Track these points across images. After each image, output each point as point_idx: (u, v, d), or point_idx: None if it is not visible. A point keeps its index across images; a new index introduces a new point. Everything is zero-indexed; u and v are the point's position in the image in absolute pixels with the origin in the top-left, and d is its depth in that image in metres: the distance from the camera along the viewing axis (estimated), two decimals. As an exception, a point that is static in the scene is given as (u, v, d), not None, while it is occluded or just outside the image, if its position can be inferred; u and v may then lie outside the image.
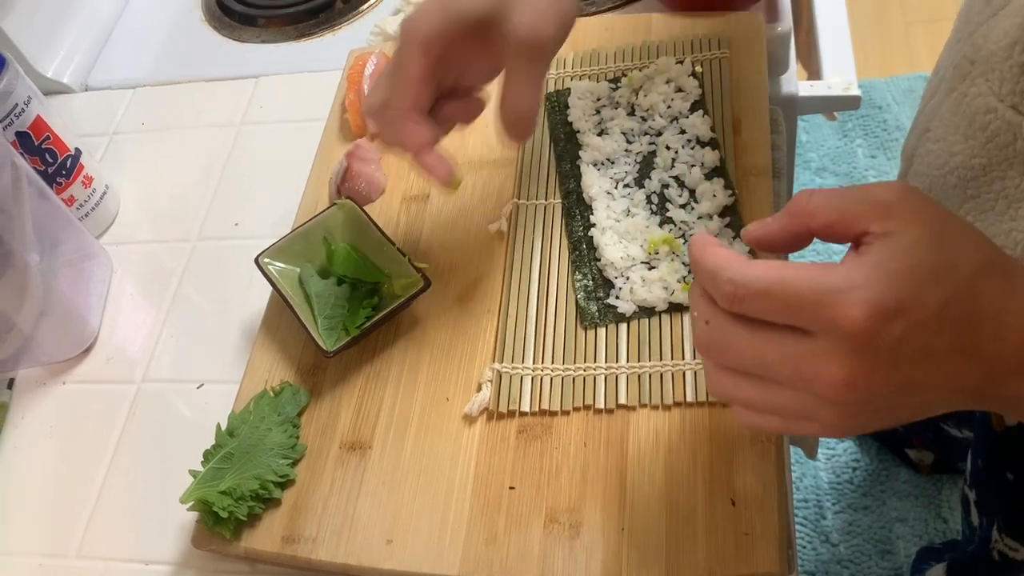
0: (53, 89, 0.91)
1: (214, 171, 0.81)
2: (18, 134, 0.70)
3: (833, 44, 0.89)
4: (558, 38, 0.54)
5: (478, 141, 0.73)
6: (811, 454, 0.67)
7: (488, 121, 0.74)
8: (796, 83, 0.83)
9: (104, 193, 0.78)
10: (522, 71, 0.53)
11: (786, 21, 0.77)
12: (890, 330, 0.35)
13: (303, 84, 0.86)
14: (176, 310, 0.73)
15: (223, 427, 0.61)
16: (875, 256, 0.36)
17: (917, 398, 0.37)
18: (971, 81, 0.50)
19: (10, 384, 0.71)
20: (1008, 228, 0.48)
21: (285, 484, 0.58)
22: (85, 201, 0.76)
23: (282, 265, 0.66)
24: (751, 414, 0.40)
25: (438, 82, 0.55)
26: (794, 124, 0.86)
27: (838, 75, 0.88)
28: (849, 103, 0.86)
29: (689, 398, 0.56)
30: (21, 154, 0.69)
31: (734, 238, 0.60)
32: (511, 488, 0.55)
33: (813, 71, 0.92)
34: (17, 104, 0.69)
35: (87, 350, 0.72)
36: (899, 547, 1.45)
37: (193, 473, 0.58)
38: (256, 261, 0.65)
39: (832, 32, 0.90)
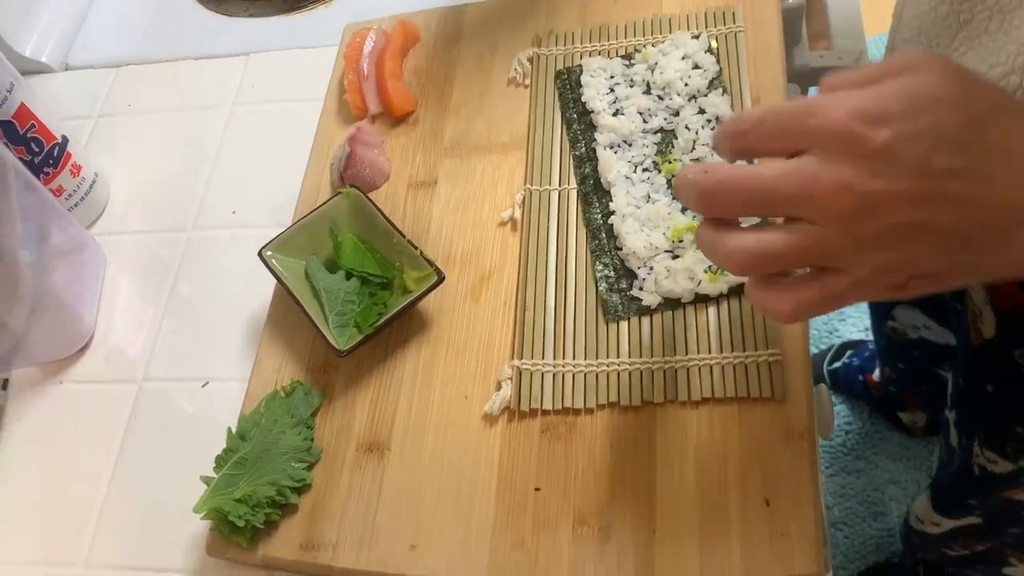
0: (31, 69, 0.87)
1: (207, 155, 0.77)
2: (2, 123, 0.67)
3: (843, 12, 0.86)
4: None
5: (485, 122, 0.70)
6: (826, 433, 0.66)
7: (495, 101, 0.71)
8: (807, 54, 0.81)
9: (93, 182, 0.75)
10: None
11: (799, -9, 0.74)
12: (875, 134, 0.36)
13: (296, 61, 0.82)
14: (174, 304, 0.70)
15: (233, 430, 0.58)
16: (880, 86, 0.38)
17: (930, 232, 0.37)
18: None
19: (4, 385, 0.68)
20: (1002, 43, 0.47)
21: (301, 489, 0.57)
22: (74, 191, 0.73)
23: (286, 258, 0.63)
24: (764, 290, 0.41)
25: None
26: (800, 94, 0.83)
27: (848, 43, 0.85)
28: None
29: (718, 394, 0.54)
30: (5, 144, 0.65)
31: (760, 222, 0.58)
32: (536, 489, 0.54)
33: (822, 40, 0.89)
34: (-1, 92, 0.66)
35: (83, 348, 0.69)
36: (891, 508, 1.47)
37: (206, 480, 0.56)
38: (260, 255, 0.62)
39: (842, 5, 0.88)
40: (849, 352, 1.46)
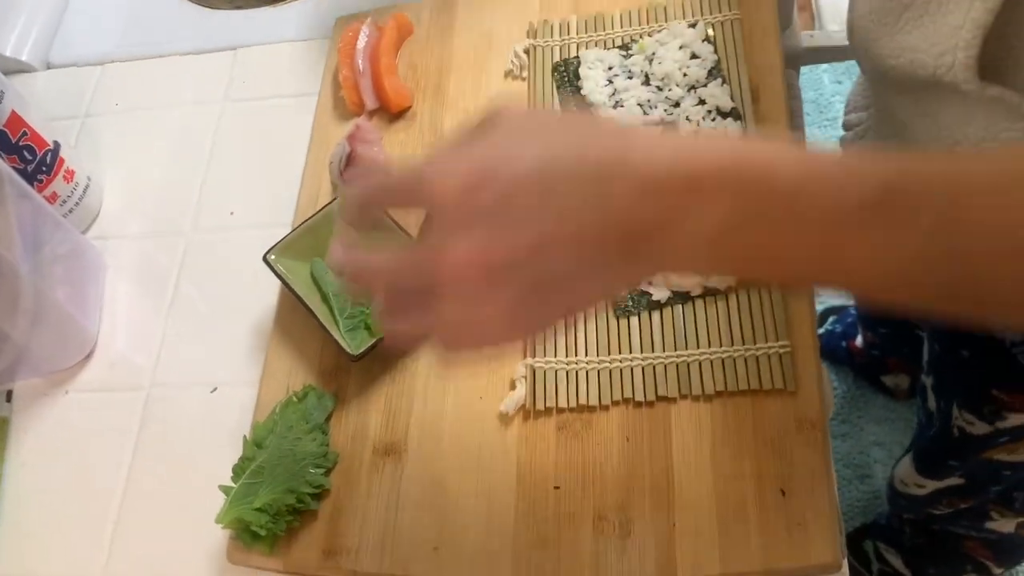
0: (12, 68, 0.85)
1: (201, 155, 0.76)
2: (-7, 133, 0.66)
3: (831, -9, 0.87)
4: None
5: (483, 116, 0.70)
6: (827, 413, 0.69)
7: (492, 93, 0.71)
8: (799, 35, 0.81)
9: (87, 186, 0.74)
10: None
11: (792, -26, 0.75)
12: (479, 199, 0.36)
13: (285, 55, 0.81)
14: (177, 309, 0.70)
15: (248, 437, 0.59)
16: (476, 146, 0.38)
17: (562, 276, 0.37)
18: None
19: (8, 397, 0.68)
20: (940, 25, 0.49)
21: (321, 495, 0.57)
22: (68, 197, 0.72)
23: (291, 261, 0.63)
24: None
25: None
26: (796, 79, 0.84)
27: (836, 23, 0.86)
28: (850, 53, 0.84)
29: (731, 387, 0.55)
30: (-2, 154, 0.64)
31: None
32: (556, 488, 0.55)
33: (808, 21, 0.90)
34: (-10, 101, 0.64)
35: (87, 356, 0.69)
36: (877, 471, 1.50)
37: (224, 489, 0.56)
38: (265, 260, 0.62)
39: (829, -23, 0.88)
40: (832, 318, 1.49)
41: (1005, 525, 0.97)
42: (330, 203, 0.64)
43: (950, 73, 0.48)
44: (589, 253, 0.37)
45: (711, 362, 0.56)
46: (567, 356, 0.58)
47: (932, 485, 0.96)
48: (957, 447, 0.85)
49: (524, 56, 0.71)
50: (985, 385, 0.76)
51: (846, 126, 0.71)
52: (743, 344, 0.56)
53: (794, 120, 0.67)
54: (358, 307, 0.61)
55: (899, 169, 0.35)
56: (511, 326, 0.39)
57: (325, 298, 0.61)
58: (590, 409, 0.56)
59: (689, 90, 0.65)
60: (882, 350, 1.40)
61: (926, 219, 0.34)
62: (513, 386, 0.58)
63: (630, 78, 0.67)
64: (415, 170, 0.39)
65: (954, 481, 0.92)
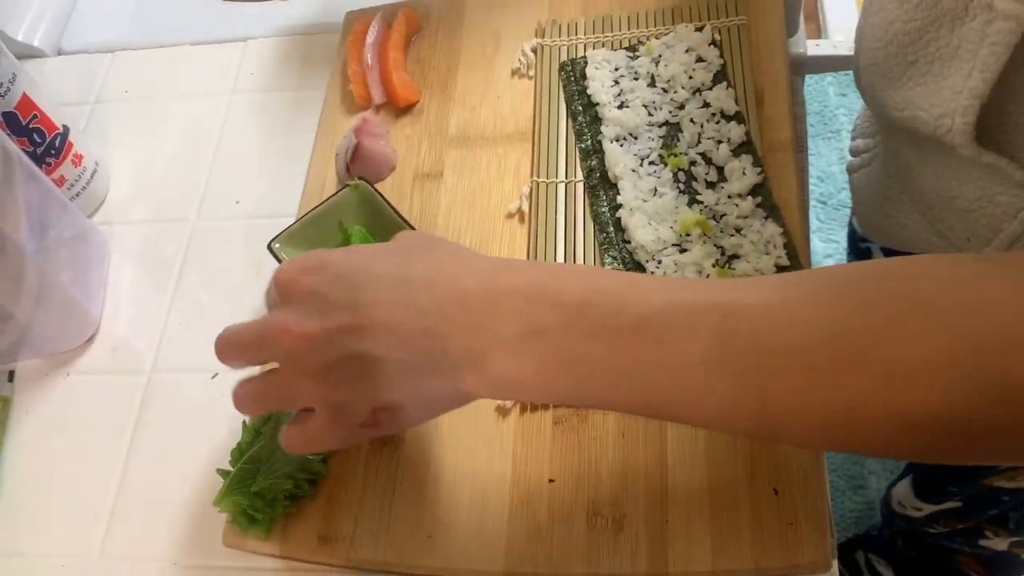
0: (24, 53, 0.85)
1: (208, 144, 0.77)
2: (4, 115, 0.66)
3: (837, 1, 0.88)
4: None
5: (490, 112, 0.71)
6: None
7: (500, 92, 0.72)
8: (805, 43, 0.82)
9: (94, 171, 0.74)
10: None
11: (799, -18, 0.75)
12: (306, 280, 0.43)
13: (295, 48, 0.81)
14: (180, 295, 0.70)
15: (248, 423, 0.59)
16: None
17: (369, 362, 0.42)
18: None
19: (11, 377, 0.68)
20: (941, 87, 0.50)
21: (317, 481, 0.57)
22: (76, 181, 0.72)
23: (295, 251, 0.63)
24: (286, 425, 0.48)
25: None
26: (801, 86, 0.84)
27: (842, 33, 0.86)
28: (854, 62, 0.85)
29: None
30: (8, 135, 0.65)
31: (766, 218, 0.59)
32: (551, 481, 0.55)
33: (815, 31, 0.90)
34: (2, 83, 0.65)
35: (90, 339, 0.69)
36: (871, 482, 1.50)
37: (222, 473, 0.57)
38: (269, 248, 0.63)
39: (836, -13, 0.89)
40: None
41: (999, 543, 0.97)
42: (335, 194, 0.64)
43: (948, 135, 0.50)
44: (397, 347, 0.41)
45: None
46: (566, 351, 0.59)
47: (929, 508, 0.96)
48: (957, 474, 0.85)
49: (531, 55, 0.72)
50: None
51: (853, 151, 0.71)
52: (740, 344, 0.56)
53: (797, 126, 0.68)
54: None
55: (682, 294, 0.39)
56: (337, 417, 0.44)
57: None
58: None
59: (694, 93, 0.66)
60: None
61: (698, 340, 0.37)
62: (511, 379, 0.58)
63: (636, 79, 0.67)
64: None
65: (952, 504, 0.92)
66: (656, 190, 0.62)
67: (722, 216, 0.60)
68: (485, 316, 0.40)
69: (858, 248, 0.81)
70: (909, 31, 0.51)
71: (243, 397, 0.48)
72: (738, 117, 0.64)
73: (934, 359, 0.34)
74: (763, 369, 0.37)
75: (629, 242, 0.61)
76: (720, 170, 0.62)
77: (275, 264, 0.62)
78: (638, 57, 0.68)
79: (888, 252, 0.71)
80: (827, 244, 1.72)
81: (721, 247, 0.59)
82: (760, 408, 0.38)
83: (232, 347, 0.47)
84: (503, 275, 0.41)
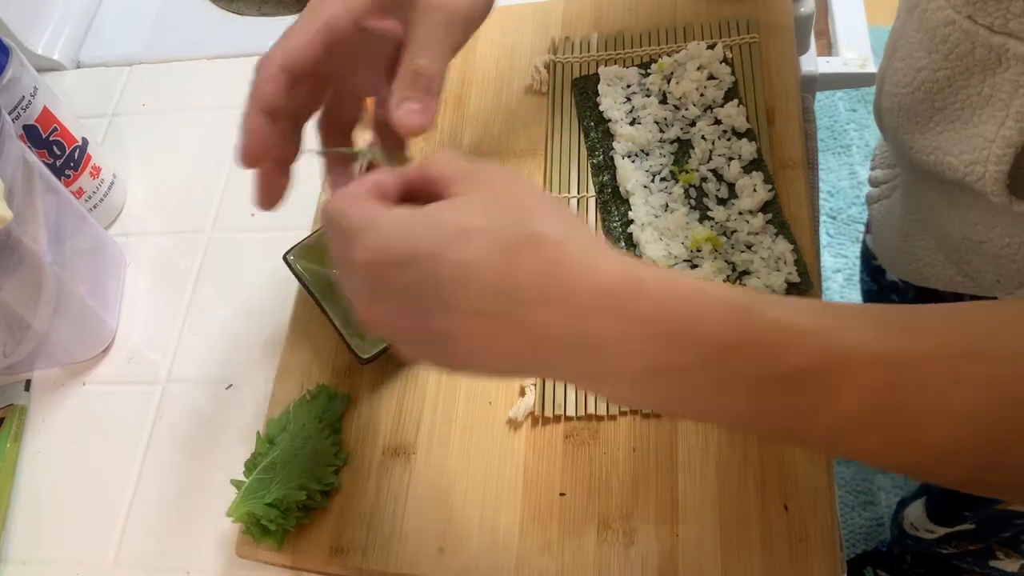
0: (44, 66, 0.87)
1: (224, 157, 0.78)
2: (25, 127, 0.67)
3: (847, 18, 0.88)
4: (473, 14, 0.50)
5: (503, 128, 0.71)
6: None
7: (513, 107, 0.72)
8: (816, 61, 0.82)
9: (112, 183, 0.75)
10: (431, 34, 0.47)
11: (810, 1, 0.76)
12: (398, 277, 0.37)
13: (310, 62, 0.82)
14: (195, 306, 0.71)
15: (261, 434, 0.60)
16: (427, 208, 0.38)
17: (448, 344, 0.37)
18: None
19: (27, 386, 0.69)
20: (971, 134, 0.49)
21: (330, 492, 0.58)
22: (93, 193, 0.73)
23: (310, 263, 0.64)
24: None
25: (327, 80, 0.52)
26: (812, 103, 0.85)
27: (852, 50, 0.87)
28: (864, 80, 0.86)
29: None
30: (29, 148, 0.66)
31: (776, 235, 0.60)
32: (562, 494, 0.55)
33: (825, 47, 0.91)
34: (24, 96, 0.66)
35: (106, 350, 0.70)
36: (880, 498, 1.50)
37: (236, 483, 0.57)
38: (285, 259, 0.63)
39: (846, 6, 0.89)
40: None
41: (1009, 565, 0.96)
42: (350, 208, 0.65)
43: (979, 183, 0.49)
44: (495, 357, 0.37)
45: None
46: (577, 366, 0.59)
47: (942, 531, 0.96)
48: (972, 499, 0.85)
49: (545, 71, 0.73)
50: None
51: (872, 182, 0.71)
52: (751, 360, 0.57)
53: (808, 143, 0.68)
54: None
55: (843, 343, 0.34)
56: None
57: (342, 299, 0.63)
58: (598, 418, 0.57)
59: (705, 110, 0.66)
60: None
61: (855, 394, 0.34)
62: (523, 393, 0.59)
63: (648, 96, 0.68)
64: (352, 222, 0.39)
65: (965, 527, 0.92)
66: (667, 206, 0.63)
67: (733, 232, 0.60)
68: (609, 344, 0.35)
69: (872, 267, 0.82)
70: (938, 79, 0.51)
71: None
72: (749, 134, 0.64)
73: None
74: (920, 423, 0.34)
75: (640, 257, 0.61)
76: (731, 187, 0.63)
77: (290, 276, 0.63)
78: (650, 74, 0.69)
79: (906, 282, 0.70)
80: (837, 259, 1.72)
81: (732, 263, 0.59)
82: (912, 457, 0.36)
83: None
84: (632, 299, 0.35)
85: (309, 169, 0.74)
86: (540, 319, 0.36)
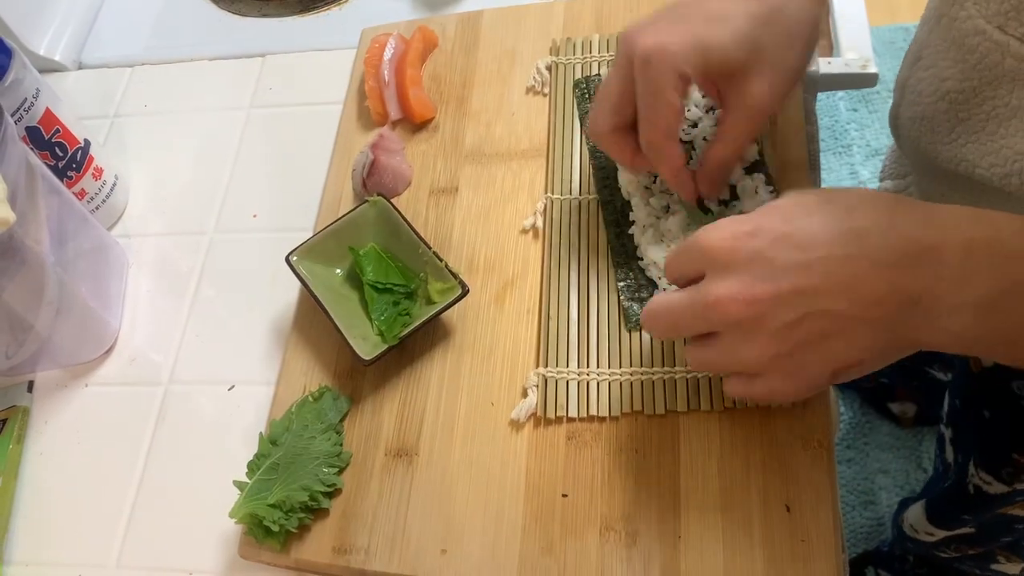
0: (46, 68, 0.87)
1: (226, 158, 0.78)
2: (28, 129, 0.67)
3: (849, 18, 0.88)
4: (781, 105, 0.56)
5: (505, 129, 0.71)
6: (833, 434, 0.69)
7: (515, 108, 0.72)
8: (818, 61, 0.82)
9: (114, 184, 0.75)
10: (740, 128, 0.54)
11: (812, 1, 0.76)
12: (748, 244, 0.41)
13: (312, 64, 0.82)
14: (198, 307, 0.71)
15: (265, 435, 0.60)
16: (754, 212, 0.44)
17: (835, 322, 0.40)
18: (960, 5, 0.51)
19: (30, 387, 0.69)
20: (999, 146, 0.49)
21: (333, 493, 0.58)
22: (96, 194, 0.73)
23: (313, 264, 0.64)
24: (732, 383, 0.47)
25: None
26: (814, 104, 0.85)
27: (854, 51, 0.87)
28: (866, 80, 0.85)
29: (739, 403, 0.56)
30: (31, 150, 0.66)
31: (777, 237, 0.60)
32: (564, 495, 0.56)
33: (826, 47, 0.91)
34: (26, 98, 0.66)
35: (108, 351, 0.70)
36: (881, 498, 1.50)
37: (239, 484, 0.57)
38: (287, 260, 0.64)
39: (848, 6, 0.89)
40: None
41: (1011, 568, 0.96)
42: (353, 209, 0.65)
43: (1017, 193, 0.49)
44: (856, 301, 0.39)
45: (721, 378, 0.57)
46: (579, 367, 0.59)
47: (942, 534, 0.96)
48: (972, 503, 0.85)
49: (546, 72, 0.73)
50: (1006, 448, 0.75)
51: None
52: (753, 361, 0.57)
53: (810, 145, 0.68)
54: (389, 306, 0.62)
55: None
56: (781, 371, 0.43)
57: (362, 303, 0.63)
58: (600, 419, 0.57)
59: (707, 111, 0.66)
60: (891, 378, 1.40)
61: None
62: (525, 394, 0.59)
63: (650, 97, 0.68)
64: (699, 233, 0.44)
65: (965, 531, 0.92)
66: (668, 207, 0.63)
67: (735, 234, 0.60)
68: (957, 270, 0.38)
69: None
70: (963, 89, 0.51)
71: (698, 361, 0.47)
72: (751, 135, 0.64)
73: None
74: None
75: (641, 259, 0.61)
76: (733, 188, 0.63)
77: (292, 278, 0.63)
78: (652, 75, 0.69)
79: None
80: (837, 259, 1.71)
81: (734, 264, 0.59)
82: None
83: (664, 322, 0.46)
84: (969, 225, 0.39)
85: (311, 170, 0.74)
86: (882, 255, 0.39)
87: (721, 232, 0.42)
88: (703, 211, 0.62)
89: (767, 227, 0.41)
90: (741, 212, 0.61)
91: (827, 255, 0.39)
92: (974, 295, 0.38)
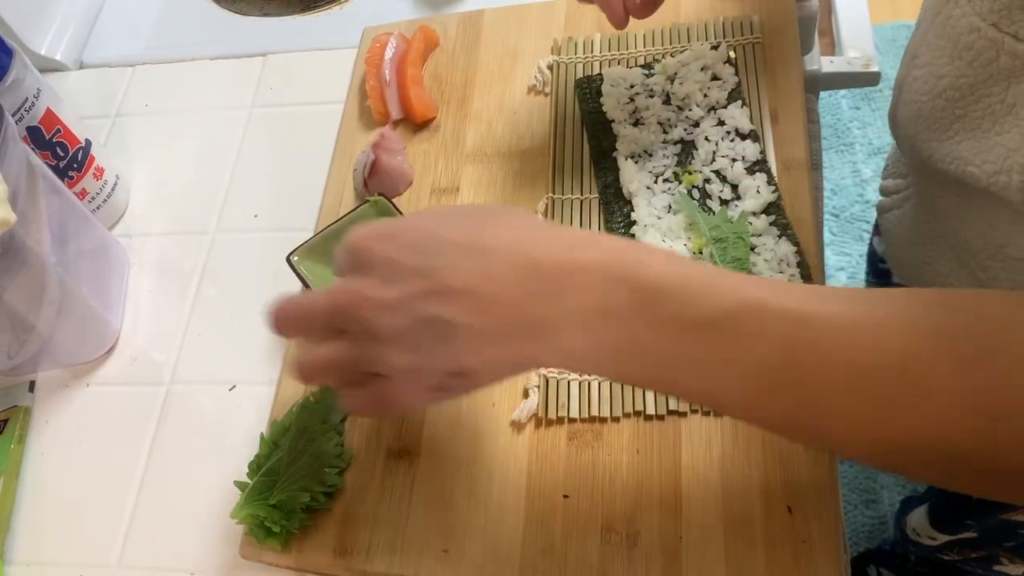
0: (46, 67, 0.87)
1: (227, 158, 0.78)
2: (28, 129, 0.67)
3: (851, 17, 0.88)
4: None
5: (506, 128, 0.71)
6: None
7: (516, 108, 0.72)
8: (819, 60, 0.82)
9: (115, 184, 0.75)
10: None
11: (814, 0, 0.76)
12: (380, 247, 0.43)
13: (313, 63, 0.82)
14: (199, 307, 0.71)
15: (264, 435, 0.60)
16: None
17: (445, 327, 0.41)
18: (954, 3, 0.51)
19: (31, 387, 0.69)
20: (993, 143, 0.49)
21: (334, 494, 0.58)
22: (97, 194, 0.73)
23: (314, 264, 0.64)
24: (343, 390, 0.46)
25: None
26: (816, 103, 0.85)
27: (856, 50, 0.87)
28: (869, 79, 0.85)
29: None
30: (32, 149, 0.66)
31: (780, 236, 0.60)
32: (565, 497, 0.55)
33: (828, 45, 0.91)
34: (27, 98, 0.66)
35: (109, 351, 0.70)
36: (883, 496, 1.50)
37: (240, 485, 0.57)
38: (288, 260, 0.63)
39: (850, 4, 0.89)
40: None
41: (1014, 570, 0.96)
42: (355, 209, 0.65)
43: (1004, 192, 0.49)
44: (473, 313, 0.41)
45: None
46: (580, 367, 0.59)
47: (945, 538, 0.96)
48: (975, 509, 0.85)
49: (547, 72, 0.73)
50: None
51: (884, 191, 0.71)
52: (754, 362, 0.57)
53: (812, 144, 0.68)
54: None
55: (756, 295, 0.38)
56: (410, 380, 0.43)
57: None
58: (601, 420, 0.57)
59: (709, 111, 0.66)
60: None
61: (765, 343, 0.38)
62: (526, 395, 0.59)
63: (651, 97, 0.68)
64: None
65: (968, 535, 0.92)
66: (670, 207, 0.63)
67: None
68: (560, 288, 0.40)
69: (877, 269, 0.81)
70: (960, 86, 0.51)
71: (310, 366, 0.46)
72: (753, 135, 0.64)
73: (972, 400, 0.35)
74: (826, 387, 0.37)
75: (644, 259, 0.61)
76: (735, 188, 0.63)
77: (293, 277, 0.63)
78: (653, 75, 0.69)
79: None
80: (840, 257, 1.71)
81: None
82: (817, 423, 0.39)
83: (294, 317, 0.46)
84: (583, 249, 0.41)
85: (312, 170, 0.74)
86: (501, 270, 0.41)
87: (364, 232, 0.44)
88: (704, 211, 0.62)
89: (404, 232, 0.43)
90: (743, 211, 0.61)
91: (452, 264, 0.41)
92: (570, 312, 0.40)
